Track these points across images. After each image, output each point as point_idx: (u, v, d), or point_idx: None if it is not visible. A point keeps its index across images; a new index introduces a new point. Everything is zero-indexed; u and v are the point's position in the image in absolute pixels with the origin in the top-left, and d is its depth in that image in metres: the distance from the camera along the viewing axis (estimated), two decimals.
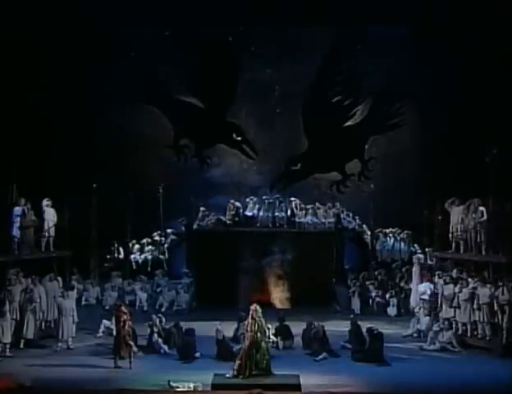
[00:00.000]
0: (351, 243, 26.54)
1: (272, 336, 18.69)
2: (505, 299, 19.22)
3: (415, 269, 22.81)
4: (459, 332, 20.26)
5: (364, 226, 27.03)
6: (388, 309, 24.01)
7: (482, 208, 20.76)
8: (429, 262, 24.82)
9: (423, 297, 21.65)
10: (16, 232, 21.05)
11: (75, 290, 21.20)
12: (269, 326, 18.14)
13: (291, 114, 27.88)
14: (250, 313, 17.45)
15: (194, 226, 26.48)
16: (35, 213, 21.67)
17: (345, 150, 28.07)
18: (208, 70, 27.46)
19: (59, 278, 21.11)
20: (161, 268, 26.14)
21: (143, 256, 26.87)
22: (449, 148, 26.41)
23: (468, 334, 20.14)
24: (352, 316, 21.16)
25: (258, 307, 17.55)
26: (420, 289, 21.84)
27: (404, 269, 25.00)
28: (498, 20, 24.81)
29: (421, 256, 23.60)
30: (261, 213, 26.27)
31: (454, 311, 20.33)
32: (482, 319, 19.75)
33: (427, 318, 20.99)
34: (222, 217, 26.39)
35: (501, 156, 21.39)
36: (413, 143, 27.74)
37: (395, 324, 22.58)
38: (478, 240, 20.74)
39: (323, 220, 26.09)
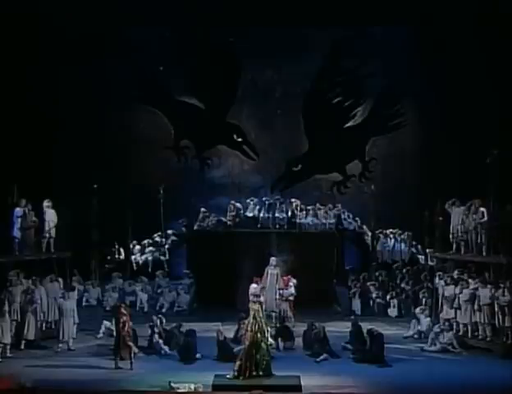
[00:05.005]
0: (352, 244, 26.52)
1: (270, 339, 18.59)
2: (505, 300, 19.21)
3: (277, 272, 22.41)
4: (460, 333, 20.25)
5: (365, 227, 27.00)
6: (389, 310, 23.95)
7: (482, 209, 20.73)
8: (430, 263, 24.90)
9: (291, 299, 21.80)
10: (16, 233, 21.02)
11: (76, 291, 21.19)
12: (269, 328, 18.10)
13: (292, 115, 27.91)
14: (252, 312, 17.40)
15: (195, 227, 26.44)
16: (36, 213, 21.61)
17: (346, 151, 28.09)
18: (209, 70, 27.45)
19: (60, 279, 21.10)
20: (161, 268, 26.07)
21: (143, 257, 26.84)
22: (449, 149, 26.40)
23: (469, 335, 20.11)
24: (353, 317, 21.15)
25: (259, 307, 17.52)
26: (290, 291, 21.89)
27: (404, 270, 25.02)
28: (498, 19, 24.84)
29: (274, 259, 22.61)
30: (261, 214, 26.20)
31: (455, 312, 20.31)
32: (482, 320, 19.73)
33: (428, 319, 20.98)
34: (223, 218, 26.33)
35: (502, 157, 21.36)
36: (413, 144, 27.77)
37: (395, 325, 22.56)
38: (479, 241, 20.70)
39: (324, 221, 26.04)
